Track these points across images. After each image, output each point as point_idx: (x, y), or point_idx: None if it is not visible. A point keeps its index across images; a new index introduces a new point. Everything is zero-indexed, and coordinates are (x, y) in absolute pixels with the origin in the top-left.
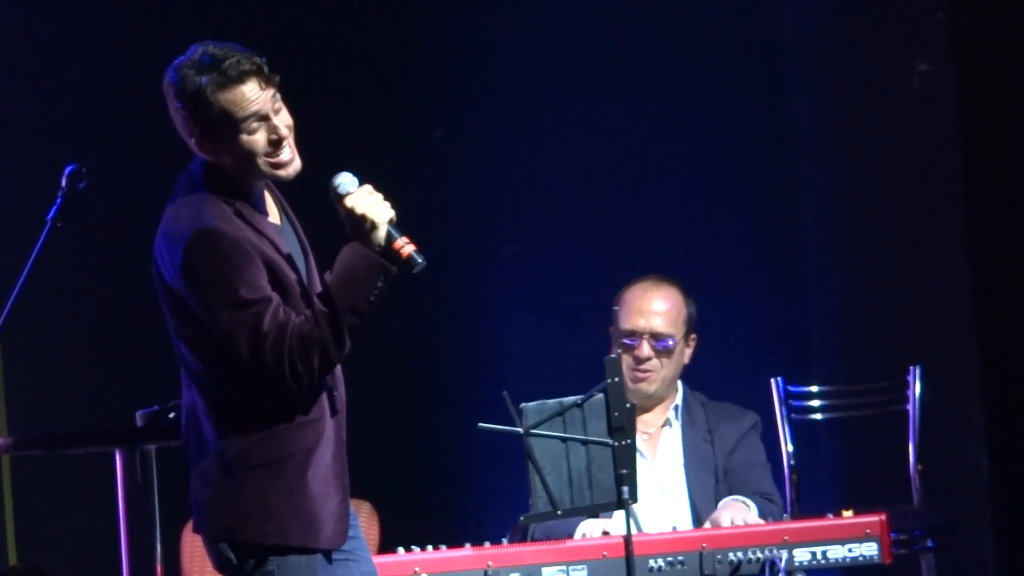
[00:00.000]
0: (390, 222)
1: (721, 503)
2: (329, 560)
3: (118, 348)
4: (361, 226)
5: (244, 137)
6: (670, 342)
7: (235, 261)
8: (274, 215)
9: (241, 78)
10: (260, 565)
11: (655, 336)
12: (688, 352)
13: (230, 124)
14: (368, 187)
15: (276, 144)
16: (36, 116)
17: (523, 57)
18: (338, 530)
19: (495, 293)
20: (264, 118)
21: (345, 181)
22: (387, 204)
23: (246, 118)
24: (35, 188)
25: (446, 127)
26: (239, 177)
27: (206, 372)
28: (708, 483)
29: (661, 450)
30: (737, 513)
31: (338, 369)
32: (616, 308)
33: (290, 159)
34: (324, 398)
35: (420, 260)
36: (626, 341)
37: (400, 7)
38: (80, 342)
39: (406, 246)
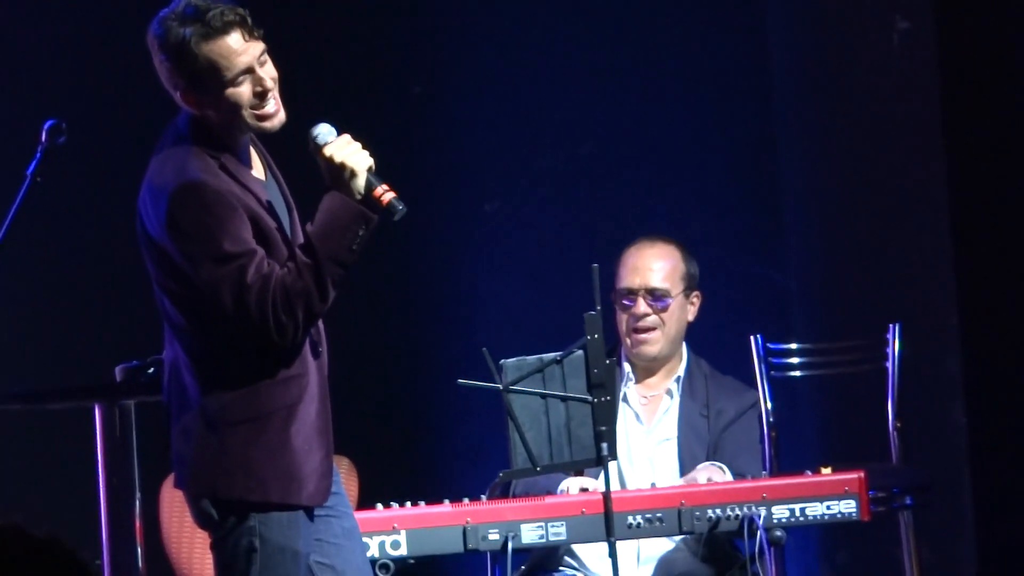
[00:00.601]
0: (369, 170)
1: (699, 465)
2: (311, 516)
3: (98, 303)
4: (340, 175)
5: (229, 89)
6: (667, 299)
7: (219, 213)
8: (258, 169)
9: (225, 29)
10: (242, 521)
11: (651, 292)
12: (692, 310)
13: (215, 76)
14: (347, 136)
15: (261, 96)
16: (15, 71)
17: (503, 13)
18: (320, 486)
19: (475, 250)
20: (249, 70)
21: (323, 131)
22: (366, 152)
23: (231, 69)
24: (14, 143)
25: (425, 84)
26: (224, 130)
27: (188, 326)
28: (700, 459)
29: (657, 419)
30: (714, 474)
31: (321, 324)
32: (615, 272)
33: (275, 111)
34: (308, 354)
35: (401, 207)
36: (625, 301)
37: None
38: (59, 297)
39: (386, 193)
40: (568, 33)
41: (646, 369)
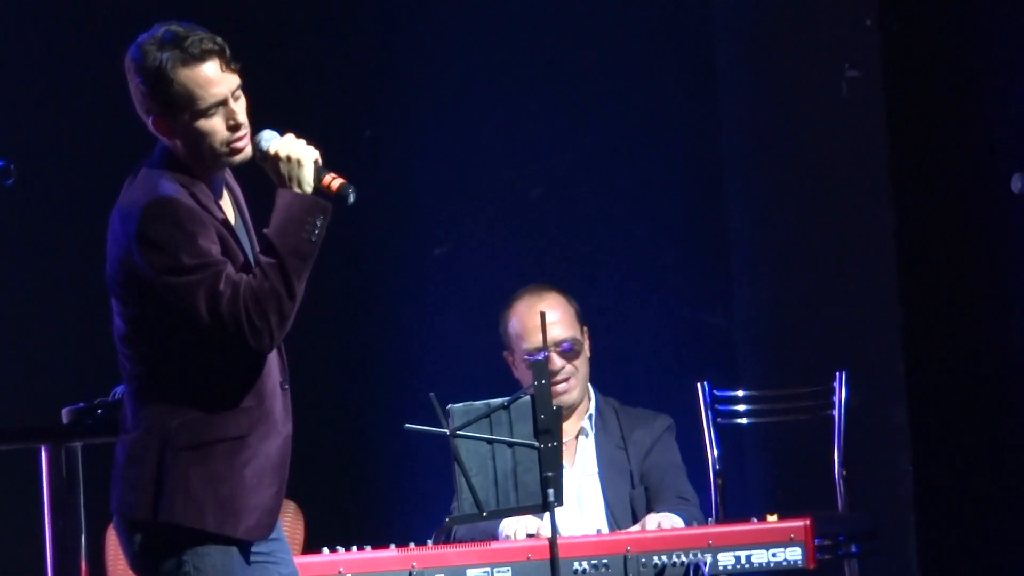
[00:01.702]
0: (316, 162)
1: (649, 515)
2: (247, 559)
3: (45, 344)
4: (288, 169)
5: (201, 120)
6: (573, 345)
7: (190, 228)
8: (228, 211)
9: (203, 56)
10: (176, 554)
11: (559, 345)
12: (588, 346)
13: (189, 103)
14: (290, 134)
15: (233, 129)
16: None
17: (453, 58)
18: (263, 522)
19: (424, 294)
20: (223, 102)
21: (266, 135)
22: (311, 146)
23: (205, 99)
24: None
25: (376, 127)
26: (194, 162)
27: (145, 352)
28: (624, 490)
29: (578, 459)
30: (664, 520)
31: (280, 363)
32: (507, 336)
33: (243, 146)
34: (268, 388)
35: (352, 191)
36: (531, 358)
37: (331, 6)
38: (5, 337)
39: (335, 180)
40: (519, 78)
41: None
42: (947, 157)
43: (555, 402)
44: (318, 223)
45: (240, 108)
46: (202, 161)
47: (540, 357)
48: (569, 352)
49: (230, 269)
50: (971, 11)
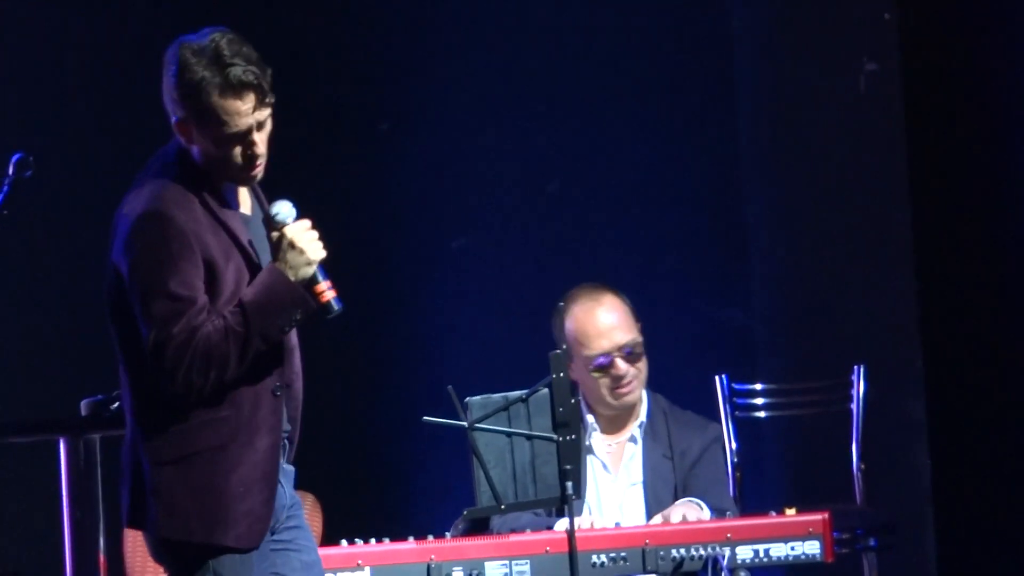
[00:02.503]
0: (320, 262)
1: (677, 502)
2: (266, 549)
3: (63, 337)
4: (293, 257)
5: (223, 146)
6: (636, 346)
7: (173, 250)
8: (245, 204)
9: (240, 88)
10: (195, 560)
11: (623, 347)
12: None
13: (215, 126)
14: (307, 222)
15: (249, 159)
16: None
17: (471, 51)
18: (255, 528)
19: (442, 287)
20: (248, 132)
21: (284, 211)
22: (320, 244)
23: (230, 127)
24: None
25: (393, 120)
26: (205, 168)
27: (128, 360)
28: (667, 503)
29: (623, 467)
30: (690, 511)
31: (297, 365)
32: (567, 343)
33: (255, 174)
34: (240, 396)
35: (336, 308)
36: (599, 363)
37: (347, 0)
38: (24, 330)
39: (328, 291)
40: (537, 71)
41: (612, 418)
42: (965, 151)
43: (617, 404)
44: (296, 318)
45: (262, 139)
46: (213, 174)
47: (603, 363)
48: (632, 355)
49: (196, 310)
50: (989, 5)
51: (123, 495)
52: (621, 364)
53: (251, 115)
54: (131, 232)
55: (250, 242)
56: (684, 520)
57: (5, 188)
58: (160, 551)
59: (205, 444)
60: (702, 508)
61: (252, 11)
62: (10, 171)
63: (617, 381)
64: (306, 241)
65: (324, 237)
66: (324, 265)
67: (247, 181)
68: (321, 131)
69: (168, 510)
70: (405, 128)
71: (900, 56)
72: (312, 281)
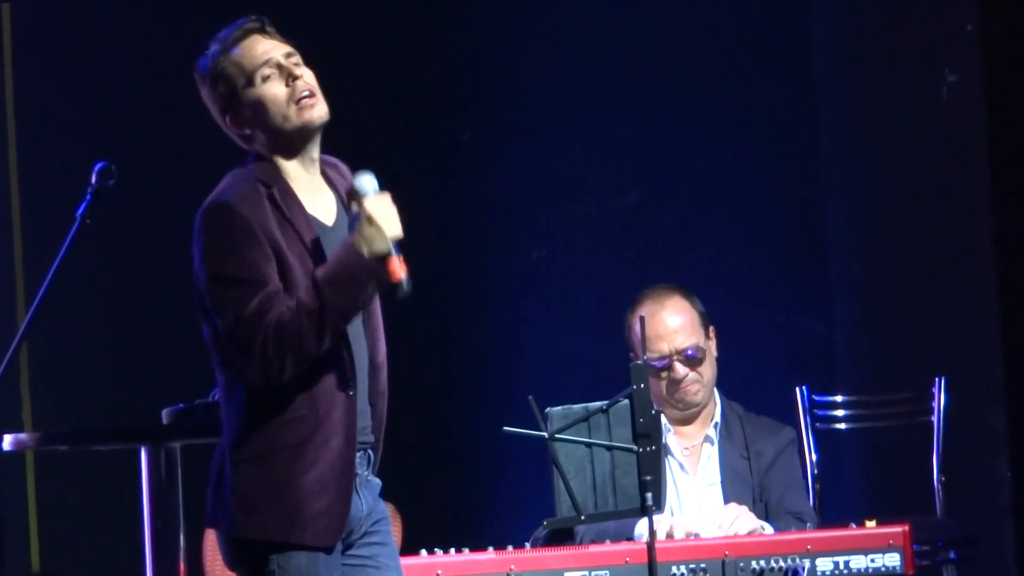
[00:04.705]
0: (396, 239)
1: (725, 507)
2: (339, 563)
3: (145, 345)
4: (372, 232)
5: (259, 87)
6: (697, 351)
7: (238, 238)
8: (327, 210)
9: (244, 35)
10: (261, 560)
11: (682, 352)
12: (714, 346)
13: (242, 75)
14: (388, 197)
15: (293, 92)
16: (67, 113)
17: (551, 61)
18: (333, 527)
19: (522, 298)
20: (274, 63)
21: (365, 184)
22: (398, 221)
23: (254, 60)
24: (65, 185)
25: (475, 130)
26: (275, 147)
27: (217, 360)
28: (745, 502)
29: (701, 467)
30: (741, 521)
31: (382, 359)
32: (630, 340)
33: (312, 101)
34: (326, 393)
35: (407, 287)
36: (657, 365)
37: (430, 10)
38: (107, 339)
39: (400, 269)
40: (616, 81)
41: (683, 419)
42: None
43: (678, 405)
44: (370, 290)
45: (300, 70)
46: (281, 138)
47: (661, 365)
48: (692, 359)
49: (266, 293)
50: None
51: (207, 495)
52: (680, 368)
53: (266, 48)
54: (198, 227)
55: (316, 242)
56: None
57: (88, 197)
58: (235, 555)
59: (283, 443)
60: (748, 518)
61: (335, 22)
62: (93, 180)
63: (675, 384)
64: (385, 216)
65: (405, 247)
66: (400, 245)
67: (305, 115)
68: (403, 141)
69: (247, 508)
70: (486, 139)
71: (982, 67)
72: (386, 256)
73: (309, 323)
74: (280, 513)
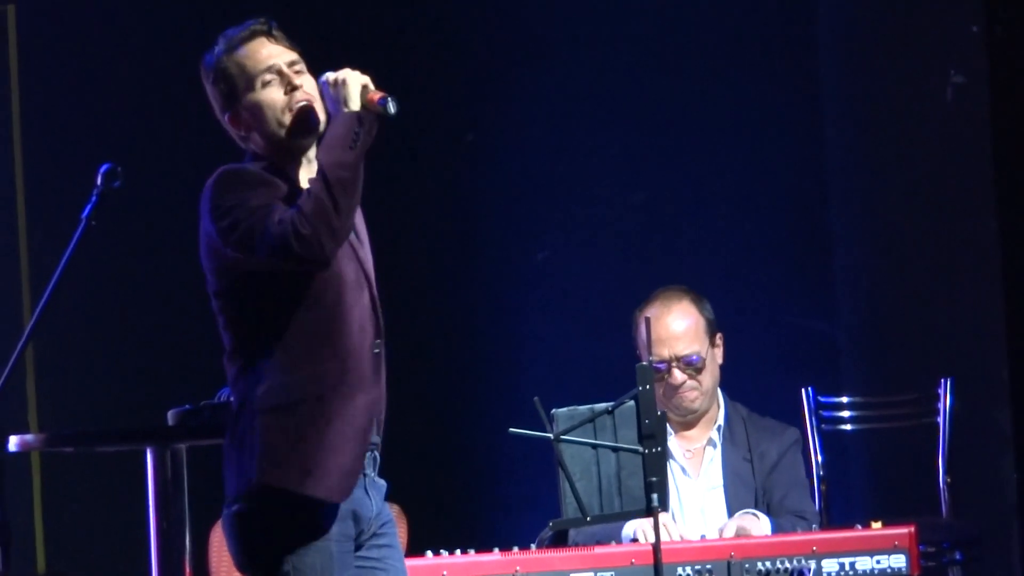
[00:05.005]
0: (364, 86)
1: (736, 514)
2: (349, 559)
3: (150, 347)
4: (336, 92)
5: (259, 92)
6: (697, 359)
7: (252, 181)
8: None
9: (251, 37)
10: (271, 507)
11: (682, 358)
12: (719, 353)
13: (243, 77)
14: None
15: (291, 92)
16: (72, 114)
17: (555, 62)
18: (345, 483)
19: (527, 299)
20: (276, 70)
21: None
22: (358, 73)
23: (257, 65)
24: (70, 187)
25: (478, 131)
26: (272, 152)
27: (231, 321)
28: (748, 505)
29: (703, 470)
30: (746, 522)
31: (370, 326)
32: (636, 340)
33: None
34: (343, 346)
35: (390, 102)
36: (655, 368)
37: (432, 10)
38: (112, 340)
39: (375, 94)
40: (621, 82)
41: (685, 422)
42: None
43: (675, 408)
44: (358, 131)
45: (302, 80)
46: (276, 143)
47: (660, 369)
48: (691, 366)
49: (283, 201)
50: None
51: (225, 471)
52: (678, 374)
53: (270, 53)
54: (210, 185)
55: None
56: (742, 532)
57: (93, 199)
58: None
59: (306, 393)
60: (759, 518)
61: (337, 22)
62: (98, 182)
63: (673, 389)
64: (341, 72)
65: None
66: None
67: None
68: (407, 141)
69: (269, 456)
70: (490, 139)
71: (987, 68)
72: (363, 99)
73: (321, 190)
74: (299, 463)
